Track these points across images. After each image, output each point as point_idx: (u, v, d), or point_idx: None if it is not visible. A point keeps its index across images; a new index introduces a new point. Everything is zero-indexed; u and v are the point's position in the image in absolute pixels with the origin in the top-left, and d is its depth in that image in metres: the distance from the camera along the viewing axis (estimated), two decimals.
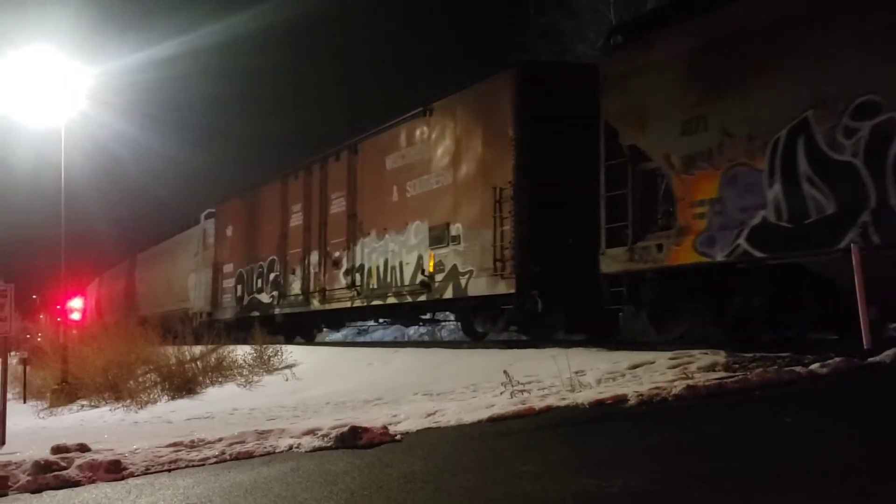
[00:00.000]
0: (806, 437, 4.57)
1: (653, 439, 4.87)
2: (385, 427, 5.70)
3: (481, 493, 3.90)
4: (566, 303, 11.79)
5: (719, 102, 8.89)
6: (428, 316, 16.71)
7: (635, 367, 7.76)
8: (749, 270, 8.77)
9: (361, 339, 23.49)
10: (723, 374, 6.77)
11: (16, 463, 4.97)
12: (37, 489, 4.64)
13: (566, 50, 22.91)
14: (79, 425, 11.57)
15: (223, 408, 10.31)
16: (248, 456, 5.31)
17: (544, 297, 11.47)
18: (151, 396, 14.16)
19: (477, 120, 12.83)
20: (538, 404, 6.17)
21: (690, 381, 6.31)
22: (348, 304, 16.28)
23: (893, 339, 7.59)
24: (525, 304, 11.63)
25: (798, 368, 6.50)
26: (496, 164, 12.10)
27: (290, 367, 14.10)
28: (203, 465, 5.12)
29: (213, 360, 15.19)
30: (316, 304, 17.57)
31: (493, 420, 5.88)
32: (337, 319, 19.25)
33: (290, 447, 5.46)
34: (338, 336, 24.06)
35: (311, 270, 17.71)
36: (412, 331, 20.55)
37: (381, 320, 18.98)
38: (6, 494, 4.57)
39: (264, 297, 20.13)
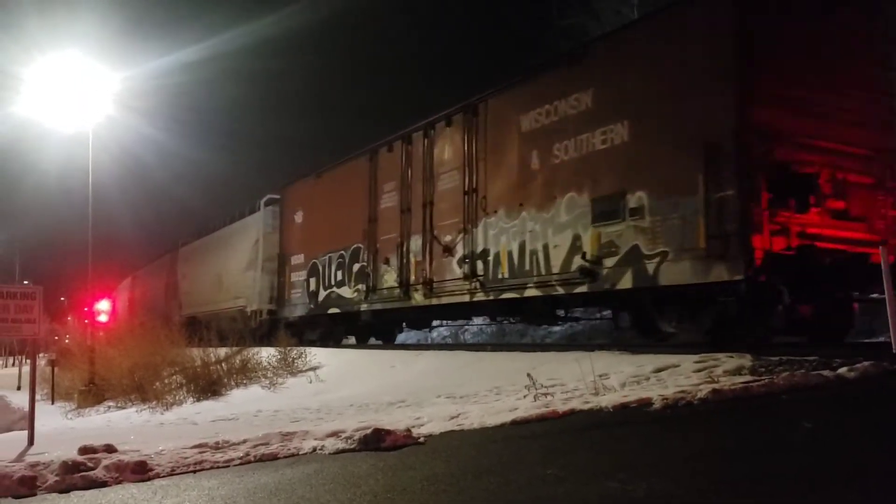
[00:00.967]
0: (832, 442, 4.51)
1: (677, 443, 4.83)
2: (408, 429, 5.71)
3: (504, 496, 3.89)
4: (819, 294, 9.34)
5: None
6: (562, 312, 13.39)
7: (660, 370, 7.70)
8: None
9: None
10: (749, 377, 6.70)
11: (44, 463, 5.03)
12: (64, 489, 4.69)
13: None
14: (105, 426, 11.68)
15: (248, 409, 10.37)
16: (273, 458, 5.33)
17: (791, 287, 8.86)
18: (177, 398, 14.28)
19: (667, 52, 9.95)
20: (561, 407, 6.14)
21: (716, 385, 6.26)
22: (466, 299, 13.49)
23: None
24: (760, 294, 8.91)
25: (826, 372, 6.42)
26: (704, 110, 9.24)
27: (313, 369, 14.16)
28: (228, 466, 5.15)
29: (237, 362, 15.30)
30: (418, 298, 14.82)
31: (516, 423, 5.86)
32: (449, 316, 16.30)
33: (314, 449, 5.47)
34: (435, 337, 21.30)
35: (412, 259, 15.02)
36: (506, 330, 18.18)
37: (501, 318, 15.57)
38: (35, 494, 4.63)
39: (346, 292, 17.34)
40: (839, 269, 9.10)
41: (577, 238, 11.03)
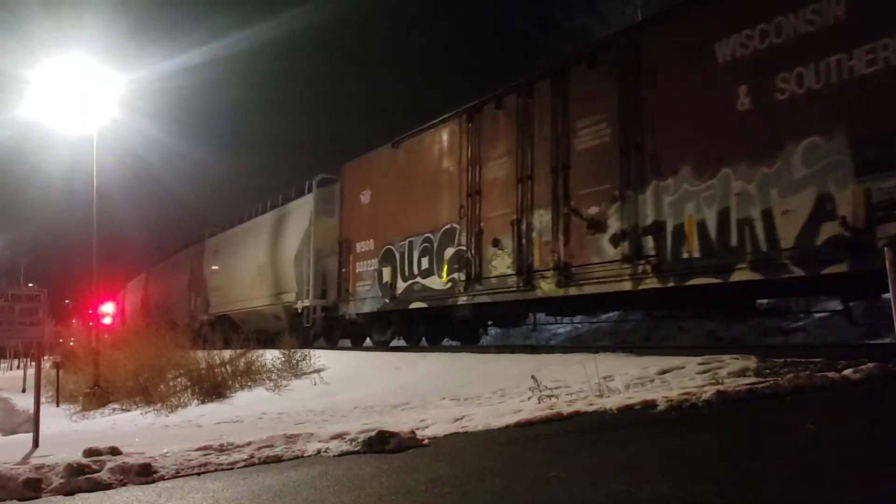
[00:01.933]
0: (837, 444, 4.50)
1: (682, 445, 4.82)
2: (412, 431, 5.71)
3: (509, 499, 3.88)
4: None
5: None
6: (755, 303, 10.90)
7: (664, 372, 7.71)
8: None
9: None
10: (753, 379, 6.69)
11: (49, 466, 5.03)
12: (69, 492, 4.69)
13: None
14: (110, 429, 11.71)
15: (252, 412, 10.38)
16: (277, 460, 5.33)
17: None
18: (182, 400, 14.32)
19: None
20: (566, 409, 6.13)
21: (720, 387, 6.25)
22: (627, 286, 10.65)
23: None
24: None
25: (831, 374, 6.41)
26: None
27: (318, 371, 14.19)
28: (232, 468, 5.15)
29: (242, 364, 15.33)
30: (547, 287, 11.94)
31: (520, 425, 5.86)
32: (588, 308, 13.43)
33: (319, 451, 5.47)
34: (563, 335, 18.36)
35: (535, 239, 12.18)
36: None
37: (664, 313, 12.64)
38: (39, 496, 4.63)
39: (436, 283, 14.50)
40: None
41: (824, 199, 8.33)
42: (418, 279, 15.04)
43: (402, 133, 16.16)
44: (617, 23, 22.21)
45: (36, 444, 7.13)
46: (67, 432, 11.46)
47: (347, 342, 19.83)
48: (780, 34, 8.93)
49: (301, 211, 20.89)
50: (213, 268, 27.50)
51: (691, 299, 10.49)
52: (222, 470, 5.12)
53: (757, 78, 9.12)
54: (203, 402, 13.79)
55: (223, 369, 15.22)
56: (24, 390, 30.27)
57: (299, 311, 19.95)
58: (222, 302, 26.17)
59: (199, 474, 5.02)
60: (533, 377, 7.41)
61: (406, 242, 15.51)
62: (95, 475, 4.86)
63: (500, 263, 12.95)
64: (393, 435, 5.49)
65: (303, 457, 5.40)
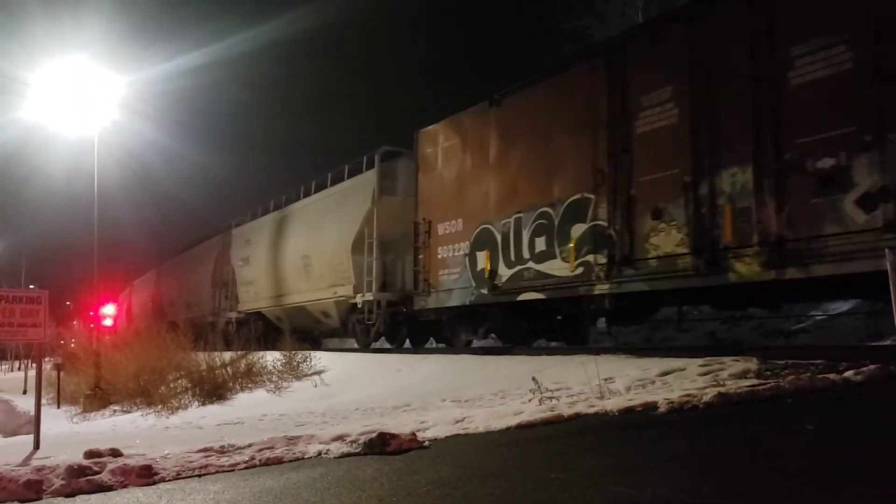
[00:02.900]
0: (838, 446, 4.50)
1: (683, 447, 4.82)
2: (413, 433, 5.70)
3: (510, 500, 3.88)
4: None
5: None
6: None
7: (665, 373, 7.71)
8: None
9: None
10: (754, 381, 6.69)
11: (50, 467, 5.03)
12: (70, 493, 4.69)
13: None
14: (111, 430, 11.71)
15: (253, 413, 10.38)
16: (278, 461, 5.33)
17: None
18: (182, 402, 14.33)
19: None
20: (567, 411, 6.13)
21: (721, 389, 6.24)
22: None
23: None
24: None
25: (832, 376, 6.41)
26: None
27: (318, 373, 14.20)
28: (233, 470, 5.15)
29: (242, 366, 15.34)
30: (745, 269, 9.20)
31: (521, 427, 5.85)
32: (798, 295, 10.20)
33: (319, 453, 5.47)
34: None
35: (722, 207, 9.48)
36: None
37: None
38: (40, 498, 4.63)
39: (558, 268, 11.70)
40: None
41: None
42: (530, 264, 12.22)
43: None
44: (618, 24, 22.27)
45: (37, 445, 7.13)
46: (68, 434, 11.46)
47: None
48: None
49: (359, 191, 17.95)
50: (244, 260, 24.60)
51: None
52: (223, 471, 5.12)
53: None
54: (204, 404, 13.81)
55: (224, 371, 15.23)
56: (25, 392, 30.34)
57: (358, 306, 17.42)
58: (255, 298, 23.68)
59: (199, 476, 5.01)
60: (534, 379, 7.42)
61: (511, 221, 12.68)
62: (96, 477, 4.86)
63: (665, 241, 10.19)
64: (394, 437, 5.48)
65: (303, 458, 5.40)
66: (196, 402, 14.11)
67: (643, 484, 3.81)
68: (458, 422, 6.34)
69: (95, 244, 20.84)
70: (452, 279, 14.06)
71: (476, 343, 14.79)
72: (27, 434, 10.43)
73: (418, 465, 4.88)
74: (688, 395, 6.07)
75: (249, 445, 5.68)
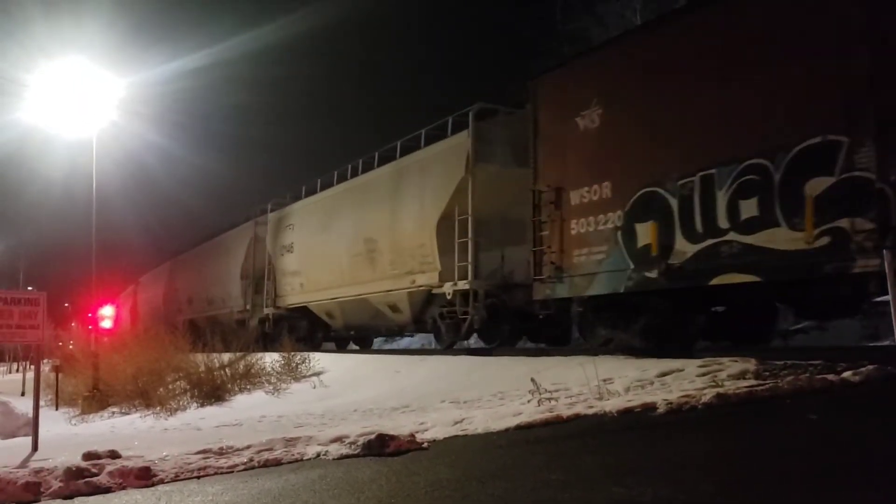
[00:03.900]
0: (837, 446, 4.50)
1: (682, 448, 4.82)
2: (412, 435, 5.70)
3: (509, 502, 3.88)
4: None
5: None
6: None
7: (664, 374, 7.70)
8: None
9: None
10: (753, 381, 6.69)
11: (48, 469, 5.03)
12: (68, 495, 4.68)
13: None
14: (109, 432, 11.70)
15: (251, 415, 10.37)
16: (277, 463, 5.32)
17: None
18: (181, 403, 14.32)
19: None
20: (566, 412, 6.13)
21: (720, 390, 6.25)
22: None
23: None
24: None
25: (830, 376, 6.41)
26: None
27: (317, 374, 14.18)
28: (232, 472, 5.14)
29: (241, 367, 15.33)
30: None
31: (520, 428, 5.85)
32: None
33: (318, 454, 5.47)
34: None
35: None
36: None
37: None
38: (39, 500, 4.63)
39: (783, 239, 8.36)
40: None
41: None
42: (732, 236, 8.97)
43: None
44: (617, 26, 22.26)
45: (35, 447, 7.13)
46: (67, 436, 11.44)
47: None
48: None
49: (447, 158, 14.86)
50: (285, 247, 21.38)
51: None
52: (222, 473, 5.11)
53: None
54: (202, 406, 13.79)
55: (222, 372, 15.22)
56: (23, 394, 30.27)
57: (448, 296, 14.42)
58: (300, 290, 20.60)
59: (198, 478, 5.01)
60: (533, 380, 7.42)
61: (696, 180, 9.44)
62: (94, 479, 4.86)
63: None
64: (392, 438, 5.48)
65: (302, 460, 5.39)
66: (195, 404, 14.09)
67: (642, 485, 3.81)
68: (457, 423, 6.33)
69: (94, 245, 20.82)
70: (596, 260, 10.80)
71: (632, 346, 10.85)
72: (25, 436, 10.43)
73: (417, 466, 4.88)
74: (686, 396, 6.07)
75: (248, 447, 5.67)
